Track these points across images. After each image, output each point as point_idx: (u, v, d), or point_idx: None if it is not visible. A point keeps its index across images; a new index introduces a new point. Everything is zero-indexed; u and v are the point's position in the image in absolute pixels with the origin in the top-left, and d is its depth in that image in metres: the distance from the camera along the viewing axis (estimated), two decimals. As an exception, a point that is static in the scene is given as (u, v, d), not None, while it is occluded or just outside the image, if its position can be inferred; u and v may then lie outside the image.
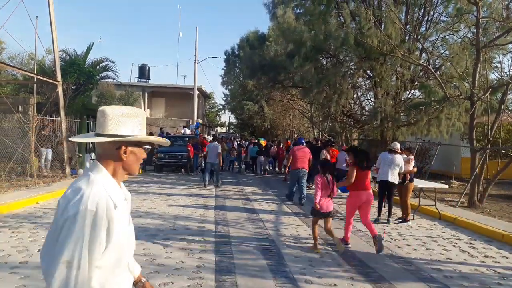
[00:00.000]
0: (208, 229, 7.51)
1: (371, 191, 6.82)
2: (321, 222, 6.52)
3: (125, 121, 1.71)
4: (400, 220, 8.95)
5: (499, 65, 13.65)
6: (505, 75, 11.96)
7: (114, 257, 1.60)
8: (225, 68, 45.22)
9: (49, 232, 1.58)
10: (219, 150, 14.15)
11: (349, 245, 6.75)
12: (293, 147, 11.92)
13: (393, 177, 8.76)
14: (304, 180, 11.28)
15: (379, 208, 8.99)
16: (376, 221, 8.77)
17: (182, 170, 18.32)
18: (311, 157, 11.53)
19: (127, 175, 1.78)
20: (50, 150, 13.97)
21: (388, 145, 10.93)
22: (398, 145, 9.08)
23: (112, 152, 1.71)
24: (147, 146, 1.80)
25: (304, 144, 12.14)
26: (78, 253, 1.46)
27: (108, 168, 1.69)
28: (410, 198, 9.21)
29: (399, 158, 8.80)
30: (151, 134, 22.99)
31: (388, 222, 8.74)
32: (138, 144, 1.76)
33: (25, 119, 12.30)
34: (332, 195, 6.43)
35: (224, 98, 50.47)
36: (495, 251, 6.85)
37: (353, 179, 6.74)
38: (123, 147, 1.70)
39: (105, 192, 1.58)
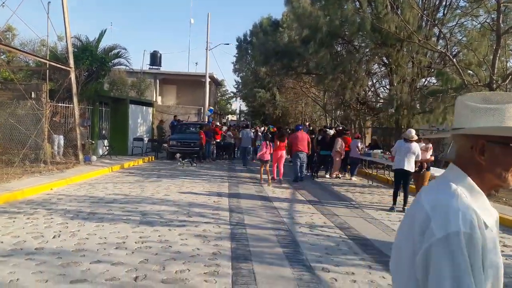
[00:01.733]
0: (223, 216, 7.47)
1: (284, 151, 12.17)
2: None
3: (486, 110, 1.24)
4: (416, 209, 8.79)
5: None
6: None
7: None
8: (237, 55, 44.82)
9: (396, 246, 1.32)
10: (252, 136, 17.47)
11: (275, 180, 11.94)
12: (291, 133, 13.42)
13: (409, 166, 8.58)
14: (304, 162, 12.47)
15: (394, 197, 8.83)
16: (391, 209, 8.66)
17: (181, 161, 16.20)
18: (309, 140, 12.71)
19: (496, 187, 1.29)
20: (62, 137, 13.98)
21: (403, 133, 10.71)
22: (413, 132, 8.84)
23: (467, 153, 1.28)
24: None
25: (301, 129, 13.38)
26: (462, 284, 1.09)
27: (469, 175, 1.26)
28: (426, 187, 9.03)
29: (415, 146, 8.60)
30: (161, 121, 22.94)
31: (403, 210, 8.60)
32: (506, 140, 1.22)
33: (38, 105, 12.31)
34: (271, 151, 11.83)
35: (236, 86, 50.09)
36: (515, 241, 6.70)
37: (277, 145, 11.87)
38: (478, 144, 1.24)
39: (474, 208, 1.18)
